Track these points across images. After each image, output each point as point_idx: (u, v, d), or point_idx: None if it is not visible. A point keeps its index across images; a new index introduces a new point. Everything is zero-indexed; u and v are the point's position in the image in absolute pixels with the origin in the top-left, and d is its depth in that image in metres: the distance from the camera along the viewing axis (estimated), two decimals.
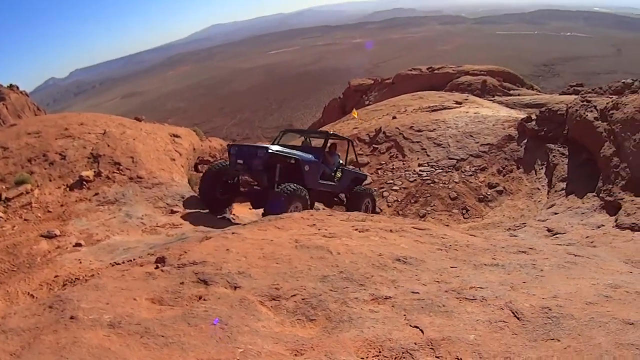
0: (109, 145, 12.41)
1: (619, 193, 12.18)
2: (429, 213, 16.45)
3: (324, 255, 4.98)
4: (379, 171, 19.35)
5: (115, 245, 8.19)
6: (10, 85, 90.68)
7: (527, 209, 15.66)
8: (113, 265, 6.58)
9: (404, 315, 3.79)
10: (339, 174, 13.16)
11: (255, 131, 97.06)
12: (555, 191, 15.14)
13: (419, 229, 6.97)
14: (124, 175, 11.33)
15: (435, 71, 38.62)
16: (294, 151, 11.72)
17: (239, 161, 10.94)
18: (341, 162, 13.92)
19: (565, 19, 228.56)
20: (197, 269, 4.68)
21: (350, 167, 14.65)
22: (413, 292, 4.24)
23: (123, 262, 6.48)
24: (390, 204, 16.92)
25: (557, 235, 11.21)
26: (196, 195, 11.63)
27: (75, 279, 6.42)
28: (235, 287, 4.25)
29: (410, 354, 3.13)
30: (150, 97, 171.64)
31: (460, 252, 5.74)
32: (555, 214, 13.60)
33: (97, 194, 10.53)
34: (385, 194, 17.58)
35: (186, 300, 4.13)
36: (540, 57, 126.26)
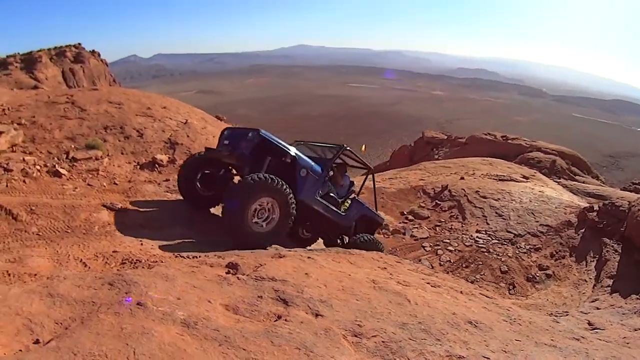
0: (188, 136, 12.53)
1: None
2: (477, 281, 15.84)
3: (402, 302, 4.89)
4: (437, 228, 18.79)
5: (183, 235, 8.05)
6: (93, 50, 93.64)
7: (570, 298, 15.02)
8: (176, 257, 6.48)
9: None
10: (347, 204, 10.58)
11: None
12: (602, 286, 14.57)
13: (487, 297, 7.01)
14: None
15: (509, 141, 38.71)
16: (295, 149, 9.50)
17: (225, 141, 9.16)
18: (354, 190, 11.20)
19: None
20: (277, 286, 4.63)
21: (365, 202, 11.58)
22: (484, 357, 4.22)
23: (188, 257, 6.40)
24: (442, 263, 16.34)
25: (597, 330, 10.95)
26: None
27: (137, 260, 6.23)
28: (317, 315, 4.17)
29: None
30: (225, 99, 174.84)
31: (524, 327, 5.78)
32: (598, 309, 12.98)
33: (167, 180, 10.51)
34: (439, 252, 16.95)
35: (264, 315, 4.05)
36: (609, 148, 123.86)
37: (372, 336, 4.09)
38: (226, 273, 5.12)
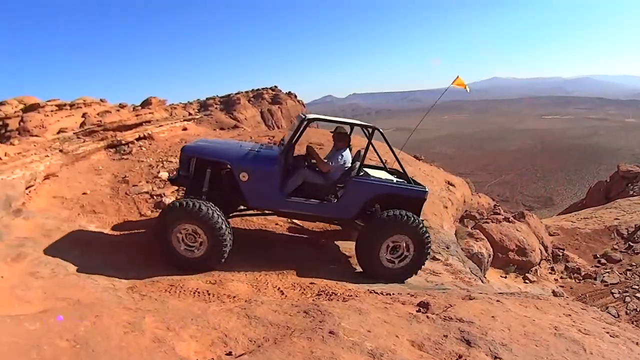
0: None
1: None
2: None
3: (578, 351, 4.72)
4: (628, 272, 17.53)
5: None
6: (289, 92, 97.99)
7: None
8: (371, 293, 6.70)
9: None
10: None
11: (515, 195, 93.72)
12: None
13: None
14: None
15: None
16: (233, 149, 8.45)
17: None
18: (357, 164, 8.47)
19: None
20: (462, 327, 4.69)
21: (383, 173, 9.15)
22: None
23: (381, 293, 6.63)
24: (628, 312, 15.02)
25: None
26: (458, 251, 10.60)
27: (333, 293, 6.53)
28: (496, 357, 4.20)
29: None
30: (422, 137, 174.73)
31: None
32: None
33: None
34: (627, 299, 15.66)
35: (446, 354, 4.16)
36: None
37: None
38: (417, 311, 5.27)
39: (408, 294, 6.52)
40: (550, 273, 17.18)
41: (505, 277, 14.72)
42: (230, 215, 8.78)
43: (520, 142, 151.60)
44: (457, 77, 10.07)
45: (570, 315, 6.28)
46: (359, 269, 8.27)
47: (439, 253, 10.22)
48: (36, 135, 12.66)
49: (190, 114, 24.10)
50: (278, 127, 76.73)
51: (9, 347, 4.00)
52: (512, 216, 18.10)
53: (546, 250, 17.77)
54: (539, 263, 16.65)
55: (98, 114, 16.16)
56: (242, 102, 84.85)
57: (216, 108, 79.62)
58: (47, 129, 13.46)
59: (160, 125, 17.52)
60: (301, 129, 8.05)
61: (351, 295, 6.37)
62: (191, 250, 7.41)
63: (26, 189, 9.89)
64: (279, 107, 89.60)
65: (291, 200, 7.92)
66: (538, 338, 4.76)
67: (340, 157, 8.33)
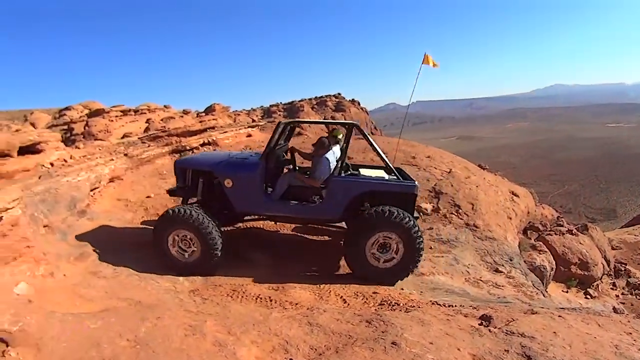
0: (452, 185, 12.57)
1: None
2: None
3: None
4: None
5: (439, 284, 8.07)
6: (352, 99, 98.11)
7: None
8: (433, 304, 6.53)
9: None
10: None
11: (578, 207, 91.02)
12: None
13: None
14: (461, 219, 11.17)
15: None
16: (219, 158, 8.58)
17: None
18: (347, 164, 8.57)
19: None
20: (524, 342, 4.58)
21: (379, 172, 8.69)
22: None
23: (444, 305, 6.44)
24: None
25: None
26: (521, 264, 10.36)
27: (395, 303, 6.43)
28: None
29: None
30: (486, 145, 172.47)
31: None
32: None
33: (430, 228, 10.58)
34: None
35: None
36: None
37: None
38: (479, 324, 5.13)
39: (470, 306, 6.34)
40: (611, 289, 16.52)
41: (567, 292, 14.23)
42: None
43: (584, 151, 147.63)
44: (425, 55, 9.82)
45: (631, 333, 6.05)
46: (418, 277, 8.21)
47: (502, 265, 9.88)
48: (101, 139, 13.00)
49: (253, 120, 24.38)
50: None
51: (69, 344, 4.03)
52: (575, 228, 17.61)
53: (608, 265, 17.15)
54: (601, 278, 16.11)
55: (162, 120, 16.51)
56: (305, 109, 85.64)
57: (280, 115, 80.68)
58: (112, 133, 13.82)
59: (224, 132, 17.80)
60: (278, 133, 8.14)
61: (414, 306, 6.23)
62: (184, 254, 7.66)
63: (91, 191, 10.14)
64: (342, 115, 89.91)
65: (275, 204, 8.04)
66: (599, 356, 4.59)
67: (324, 164, 8.03)
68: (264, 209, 8.20)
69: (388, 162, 8.06)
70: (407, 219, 7.29)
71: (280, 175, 8.45)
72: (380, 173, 8.50)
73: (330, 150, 8.08)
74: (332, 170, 7.99)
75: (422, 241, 7.42)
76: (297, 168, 9.13)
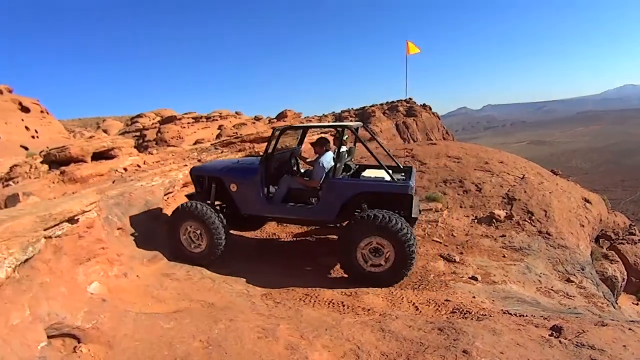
0: (525, 192, 12.28)
1: None
2: None
3: None
4: None
5: (510, 293, 7.91)
6: (424, 104, 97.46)
7: None
8: (505, 313, 6.40)
9: None
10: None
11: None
12: None
13: None
14: (534, 226, 10.90)
15: None
16: (227, 165, 9.07)
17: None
18: (349, 165, 8.95)
19: None
20: (594, 354, 4.52)
21: (380, 172, 8.55)
22: None
23: (515, 314, 6.30)
24: None
25: None
26: (592, 274, 9.94)
27: (467, 311, 6.36)
28: None
29: None
30: (557, 150, 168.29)
31: None
32: None
33: (503, 235, 10.40)
34: None
35: None
36: None
37: None
38: (549, 335, 5.11)
39: (541, 316, 6.22)
40: None
41: (637, 304, 13.73)
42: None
43: None
44: (407, 43, 9.55)
45: None
46: (490, 286, 8.09)
47: (574, 275, 9.51)
48: (173, 146, 13.25)
49: None
50: (414, 140, 76.28)
51: (142, 343, 4.14)
52: None
53: None
54: None
55: (234, 126, 16.76)
56: (377, 115, 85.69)
57: (351, 120, 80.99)
58: (184, 139, 14.11)
59: None
60: (275, 139, 8.47)
61: (485, 315, 6.15)
62: (191, 245, 8.31)
63: (164, 195, 10.36)
64: (414, 120, 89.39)
65: (276, 206, 8.35)
66: None
67: (321, 165, 8.25)
68: (266, 211, 8.53)
69: (382, 163, 8.21)
70: (394, 222, 7.14)
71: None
72: (379, 173, 8.63)
73: (328, 152, 8.45)
74: (326, 171, 8.17)
75: (412, 244, 7.21)
76: (301, 171, 9.66)
